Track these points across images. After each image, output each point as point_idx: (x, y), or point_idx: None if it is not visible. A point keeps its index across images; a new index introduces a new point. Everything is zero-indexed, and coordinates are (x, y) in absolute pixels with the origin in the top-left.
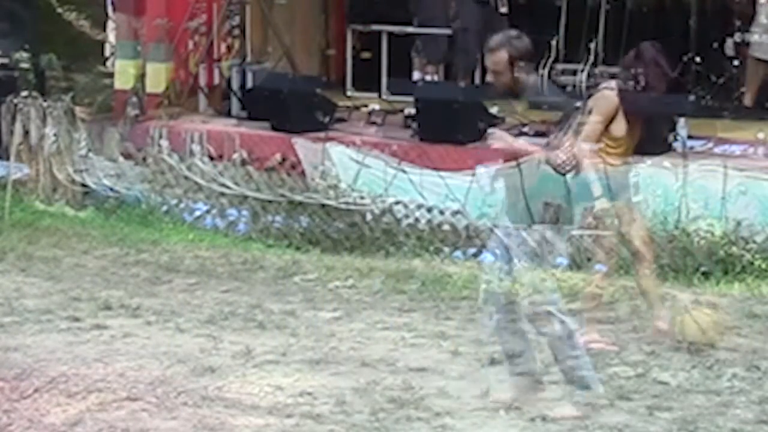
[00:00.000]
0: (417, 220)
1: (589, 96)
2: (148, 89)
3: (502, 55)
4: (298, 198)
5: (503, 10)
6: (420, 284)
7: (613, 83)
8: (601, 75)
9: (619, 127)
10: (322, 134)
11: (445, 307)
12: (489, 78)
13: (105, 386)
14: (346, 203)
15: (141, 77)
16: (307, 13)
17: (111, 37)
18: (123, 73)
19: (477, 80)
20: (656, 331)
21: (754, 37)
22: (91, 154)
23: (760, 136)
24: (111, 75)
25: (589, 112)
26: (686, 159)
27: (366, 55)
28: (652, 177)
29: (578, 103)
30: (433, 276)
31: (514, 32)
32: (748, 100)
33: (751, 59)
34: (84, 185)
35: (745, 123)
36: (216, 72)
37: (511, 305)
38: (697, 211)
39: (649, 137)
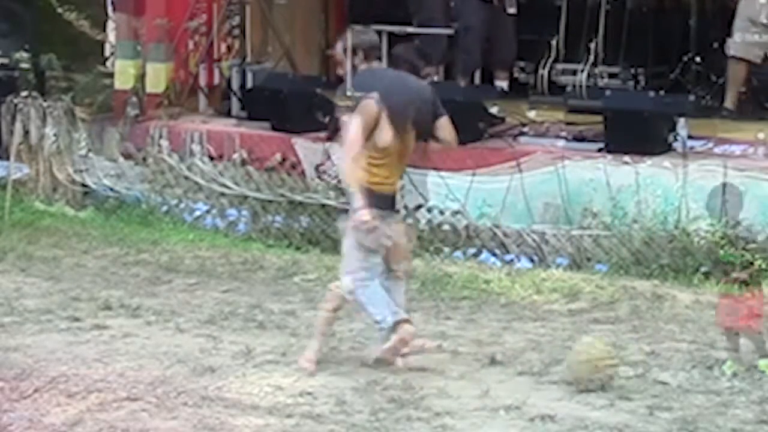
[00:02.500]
0: (417, 220)
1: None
2: (148, 89)
3: (339, 47)
4: (298, 198)
5: (511, 10)
6: (420, 284)
7: (374, 93)
8: (601, 75)
9: (384, 138)
10: (322, 134)
11: (445, 307)
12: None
13: (105, 386)
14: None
15: (141, 77)
16: (307, 13)
17: (111, 37)
18: (123, 73)
19: (477, 80)
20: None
21: (735, 36)
22: (91, 154)
23: (760, 136)
24: (111, 75)
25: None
26: (686, 159)
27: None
28: (652, 177)
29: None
30: (433, 276)
31: (358, 27)
32: (729, 103)
33: (731, 60)
34: (84, 185)
35: (745, 123)
36: (216, 72)
37: None
38: (697, 211)
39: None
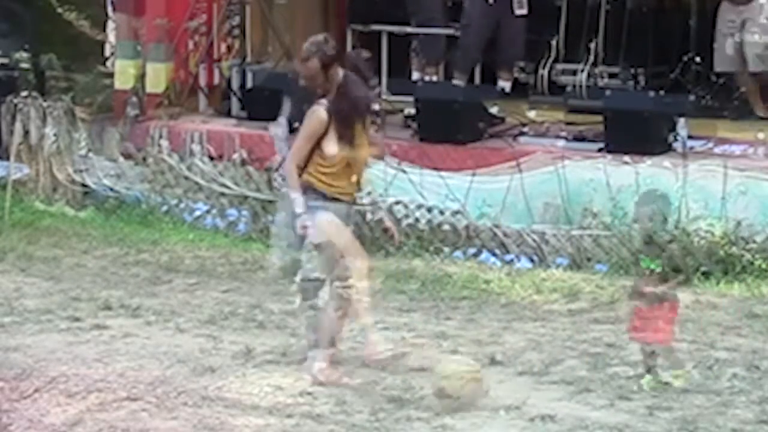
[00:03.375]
0: (417, 220)
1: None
2: (148, 89)
3: (315, 63)
4: None
5: (519, 12)
6: (420, 284)
7: (323, 100)
8: (601, 75)
9: (331, 146)
10: None
11: (445, 307)
12: (302, 82)
13: (105, 386)
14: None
15: (141, 77)
16: (307, 13)
17: (111, 37)
18: (123, 73)
19: (477, 80)
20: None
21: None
22: (91, 154)
23: (760, 136)
24: (111, 75)
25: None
26: (686, 159)
27: (366, 55)
28: (652, 177)
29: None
30: (433, 276)
31: (321, 37)
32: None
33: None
34: (84, 185)
35: (745, 123)
36: (216, 72)
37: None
38: (697, 211)
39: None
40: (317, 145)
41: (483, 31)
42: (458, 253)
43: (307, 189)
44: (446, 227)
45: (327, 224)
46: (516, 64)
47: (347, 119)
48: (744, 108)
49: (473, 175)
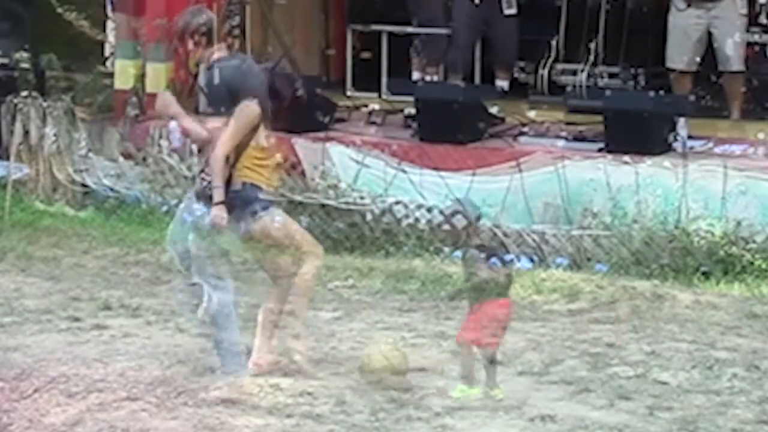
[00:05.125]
0: (417, 220)
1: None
2: (148, 89)
3: (178, 28)
4: (298, 198)
5: (509, 11)
6: (420, 284)
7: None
8: (601, 75)
9: (263, 138)
10: (322, 134)
11: (445, 307)
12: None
13: (105, 386)
14: (346, 203)
15: (141, 77)
16: (307, 13)
17: (111, 37)
18: (123, 73)
19: (477, 80)
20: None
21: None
22: (91, 154)
23: (761, 136)
24: (111, 75)
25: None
26: (686, 159)
27: (366, 55)
28: (652, 177)
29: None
30: (433, 276)
31: (195, 7)
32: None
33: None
34: (84, 185)
35: (745, 123)
36: None
37: None
38: (697, 211)
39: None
40: (251, 139)
41: (471, 32)
42: (458, 253)
43: (249, 185)
44: (446, 227)
45: (287, 221)
46: (514, 63)
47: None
48: (744, 108)
49: (473, 175)
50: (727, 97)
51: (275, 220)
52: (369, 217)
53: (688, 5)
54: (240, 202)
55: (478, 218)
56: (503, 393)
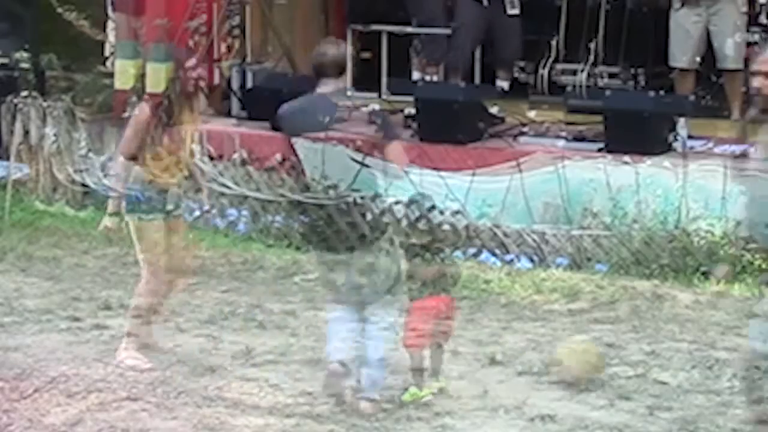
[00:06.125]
0: (417, 219)
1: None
2: (148, 89)
3: None
4: (298, 198)
5: (512, 11)
6: (420, 284)
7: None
8: (601, 75)
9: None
10: (322, 134)
11: None
12: None
13: (105, 386)
14: (346, 203)
15: (141, 77)
16: (307, 13)
17: (111, 37)
18: (123, 73)
19: (477, 80)
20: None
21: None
22: (91, 154)
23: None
24: (111, 75)
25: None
26: (686, 159)
27: (366, 55)
28: (652, 177)
29: None
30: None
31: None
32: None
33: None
34: (84, 185)
35: (746, 123)
36: (216, 72)
37: None
38: (697, 211)
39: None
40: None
41: (476, 33)
42: (458, 253)
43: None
44: (446, 227)
45: None
46: (515, 63)
47: None
48: (744, 108)
49: (473, 175)
50: (727, 96)
51: None
52: (369, 217)
53: (682, 5)
54: None
55: (431, 209)
56: (443, 382)
